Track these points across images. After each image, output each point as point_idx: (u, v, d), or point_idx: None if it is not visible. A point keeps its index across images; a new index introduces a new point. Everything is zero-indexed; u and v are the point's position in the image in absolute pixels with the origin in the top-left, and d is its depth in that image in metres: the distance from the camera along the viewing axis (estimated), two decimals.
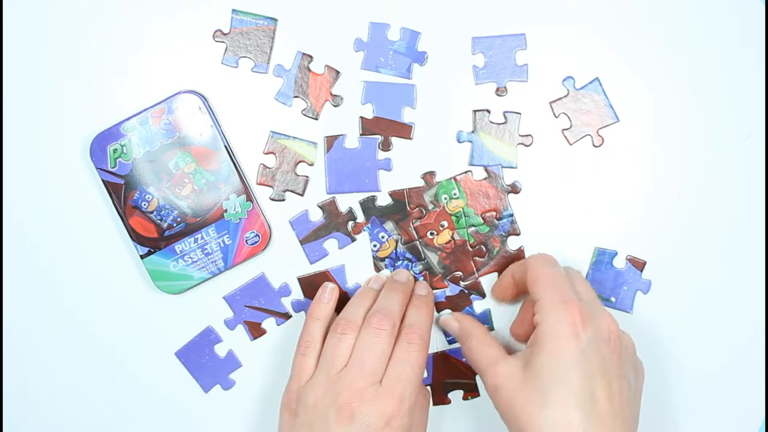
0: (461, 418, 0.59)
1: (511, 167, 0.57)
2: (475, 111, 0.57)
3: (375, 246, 0.58)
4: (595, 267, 0.58)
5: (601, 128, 0.57)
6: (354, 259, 0.58)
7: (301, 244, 0.58)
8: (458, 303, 0.58)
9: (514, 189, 0.57)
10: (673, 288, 0.58)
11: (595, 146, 0.57)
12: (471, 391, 0.59)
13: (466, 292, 0.58)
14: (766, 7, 0.56)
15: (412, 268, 0.58)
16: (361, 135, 0.57)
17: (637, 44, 0.57)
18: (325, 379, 0.51)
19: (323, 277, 0.58)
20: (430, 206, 0.58)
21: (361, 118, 0.57)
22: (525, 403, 0.46)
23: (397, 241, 0.58)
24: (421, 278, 0.58)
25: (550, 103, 0.57)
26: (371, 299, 0.55)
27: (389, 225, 0.58)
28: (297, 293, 0.59)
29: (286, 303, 0.59)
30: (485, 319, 0.58)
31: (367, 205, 0.58)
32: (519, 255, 0.58)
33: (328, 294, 0.56)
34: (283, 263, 0.58)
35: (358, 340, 0.52)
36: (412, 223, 0.58)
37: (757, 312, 0.58)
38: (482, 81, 0.57)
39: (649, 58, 0.57)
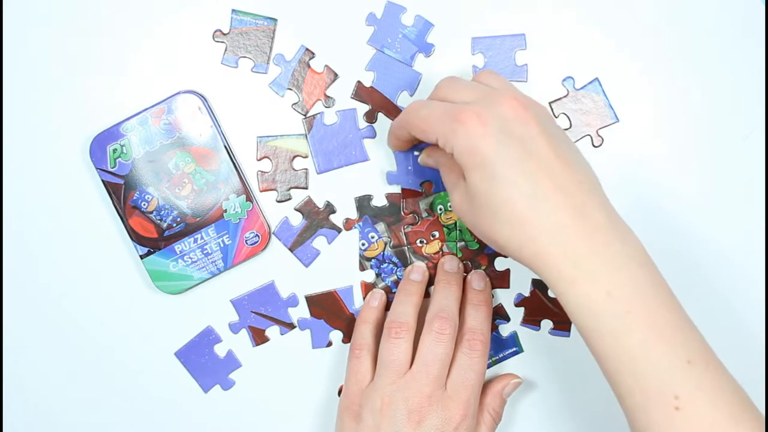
0: None
1: None
2: None
3: (363, 245, 0.58)
4: None
5: (600, 128, 0.57)
6: (342, 253, 0.58)
7: (291, 251, 0.58)
8: None
9: None
10: (673, 288, 0.58)
11: (595, 146, 0.57)
12: None
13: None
14: (766, 7, 0.56)
15: (396, 272, 0.58)
16: (352, 97, 0.57)
17: (637, 44, 0.57)
18: (390, 383, 0.52)
19: (330, 297, 0.58)
20: (424, 214, 0.58)
21: (359, 82, 0.57)
22: (481, 219, 0.46)
23: (386, 244, 0.58)
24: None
25: (550, 103, 0.57)
26: (417, 295, 0.55)
27: (381, 226, 0.58)
28: (304, 307, 0.59)
29: (293, 314, 0.59)
30: (512, 341, 0.58)
31: (362, 204, 0.58)
32: (504, 276, 0.58)
33: (375, 299, 0.57)
34: (292, 273, 0.58)
35: (421, 345, 0.52)
36: (404, 228, 0.58)
37: (757, 312, 0.58)
38: None
39: (648, 58, 0.57)
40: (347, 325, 0.59)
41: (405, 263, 0.58)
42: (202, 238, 0.57)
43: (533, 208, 0.43)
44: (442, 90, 0.50)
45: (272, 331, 0.59)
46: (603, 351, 0.44)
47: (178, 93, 0.56)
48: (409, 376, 0.51)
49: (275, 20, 0.57)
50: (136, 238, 0.57)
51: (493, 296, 0.58)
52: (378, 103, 0.57)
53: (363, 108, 0.57)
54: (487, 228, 0.46)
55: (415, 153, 0.55)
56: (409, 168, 0.56)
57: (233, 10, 0.57)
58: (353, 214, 0.58)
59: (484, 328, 0.54)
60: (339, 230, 0.58)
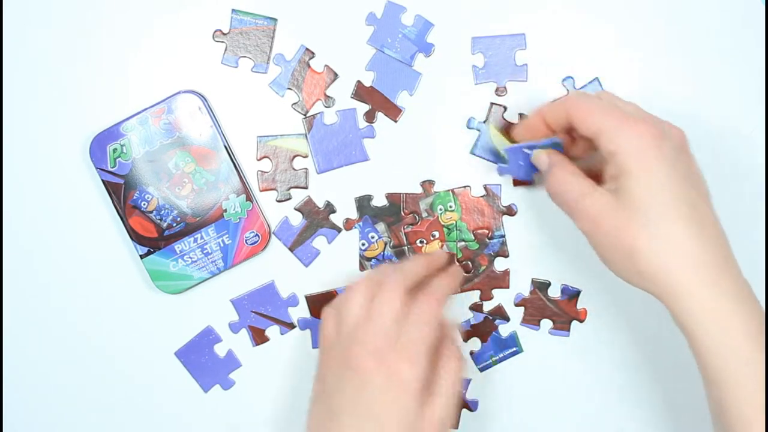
0: None
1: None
2: (492, 103, 0.57)
3: (363, 245, 0.58)
4: None
5: None
6: (342, 253, 0.58)
7: (291, 251, 0.58)
8: (483, 330, 0.58)
9: (510, 211, 0.57)
10: None
11: None
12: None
13: (491, 318, 0.58)
14: (766, 7, 0.56)
15: None
16: (352, 97, 0.57)
17: (637, 44, 0.57)
18: (338, 332, 0.49)
19: (330, 297, 0.58)
20: (424, 214, 0.58)
21: (359, 82, 0.57)
22: (628, 225, 0.45)
23: (386, 244, 0.58)
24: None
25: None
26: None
27: (381, 227, 0.58)
28: (304, 306, 0.59)
29: (293, 313, 0.59)
30: (512, 341, 0.58)
31: (363, 204, 0.58)
32: (504, 276, 0.58)
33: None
34: (292, 273, 0.58)
35: (376, 298, 0.49)
36: (404, 229, 0.58)
37: None
38: (482, 81, 0.57)
39: (648, 58, 0.57)
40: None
41: None
42: (202, 237, 0.57)
43: (696, 231, 0.44)
44: (606, 96, 0.50)
45: (272, 330, 0.59)
46: (738, 396, 0.43)
47: (178, 93, 0.56)
48: (360, 328, 0.48)
49: (275, 20, 0.57)
50: (136, 237, 0.57)
51: (464, 287, 0.58)
52: (378, 102, 0.57)
53: (363, 108, 0.57)
54: (634, 236, 0.44)
55: (525, 150, 0.53)
56: (520, 163, 0.54)
57: (233, 10, 0.57)
58: (353, 214, 0.58)
59: (443, 291, 0.51)
60: (339, 230, 0.58)
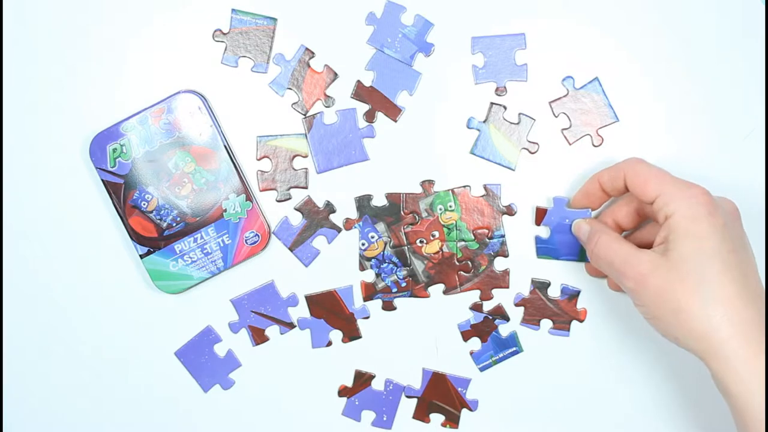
0: None
1: (509, 168, 0.57)
2: (492, 103, 0.57)
3: (363, 245, 0.58)
4: None
5: (600, 128, 0.57)
6: (342, 253, 0.58)
7: (291, 251, 0.58)
8: (483, 329, 0.58)
9: (510, 211, 0.57)
10: None
11: (594, 146, 0.57)
12: (452, 421, 0.59)
13: (491, 318, 0.58)
14: (766, 7, 0.56)
15: (396, 272, 0.58)
16: (351, 97, 0.57)
17: (637, 44, 0.57)
18: None
19: (330, 296, 0.58)
20: (424, 214, 0.58)
21: (359, 81, 0.57)
22: (678, 285, 0.46)
23: (386, 244, 0.58)
24: (404, 284, 0.58)
25: (550, 102, 0.57)
26: None
27: (381, 226, 0.58)
28: (304, 306, 0.59)
29: (293, 313, 0.59)
30: (512, 341, 0.58)
31: (362, 203, 0.58)
32: (504, 276, 0.58)
33: None
34: (292, 272, 0.58)
35: None
36: (404, 228, 0.58)
37: None
38: (482, 81, 0.57)
39: (648, 58, 0.57)
40: (347, 324, 0.59)
41: (405, 263, 0.58)
42: (201, 237, 0.57)
43: (745, 295, 0.45)
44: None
45: (272, 330, 0.59)
46: None
47: (178, 92, 0.56)
48: None
49: (275, 20, 0.57)
50: (136, 237, 0.57)
51: None
52: (378, 102, 0.57)
53: (363, 107, 0.57)
54: (684, 297, 0.46)
55: (566, 221, 0.56)
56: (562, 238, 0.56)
57: (233, 10, 0.57)
58: (353, 214, 0.58)
59: None
60: (339, 230, 0.58)
